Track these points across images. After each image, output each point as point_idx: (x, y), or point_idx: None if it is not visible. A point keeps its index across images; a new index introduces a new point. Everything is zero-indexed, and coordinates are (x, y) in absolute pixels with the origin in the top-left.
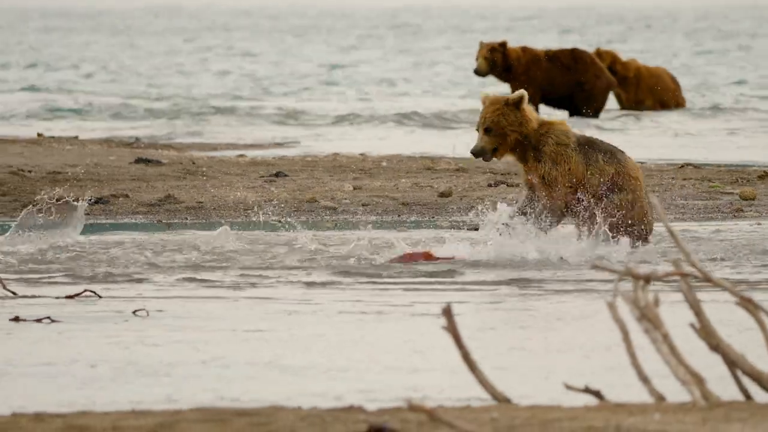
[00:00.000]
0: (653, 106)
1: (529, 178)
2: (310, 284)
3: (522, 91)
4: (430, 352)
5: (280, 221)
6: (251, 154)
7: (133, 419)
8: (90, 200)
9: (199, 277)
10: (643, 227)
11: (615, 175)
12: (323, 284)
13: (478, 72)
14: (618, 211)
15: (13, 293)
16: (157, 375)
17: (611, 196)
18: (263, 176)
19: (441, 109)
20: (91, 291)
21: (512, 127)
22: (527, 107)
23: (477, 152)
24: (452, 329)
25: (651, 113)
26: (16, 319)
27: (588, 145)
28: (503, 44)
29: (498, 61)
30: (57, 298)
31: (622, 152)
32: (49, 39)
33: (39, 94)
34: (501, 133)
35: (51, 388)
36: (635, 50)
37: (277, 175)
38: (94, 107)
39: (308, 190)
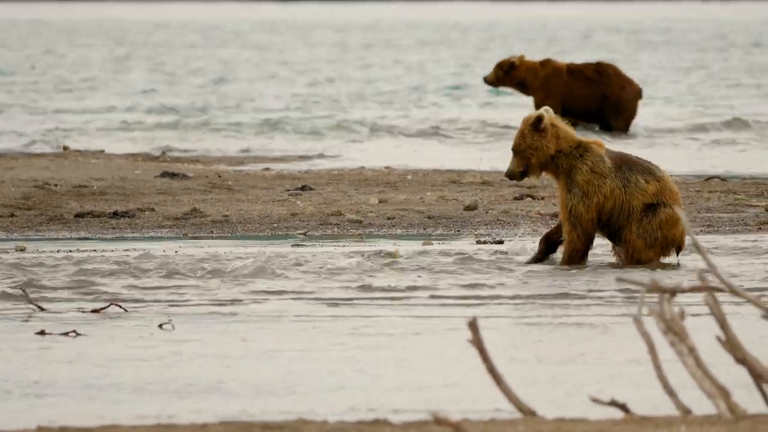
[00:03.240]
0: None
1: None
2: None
3: (539, 112)
4: (455, 366)
5: (305, 234)
6: (277, 167)
7: None
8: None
9: (226, 293)
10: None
11: (657, 193)
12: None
13: (485, 80)
14: (664, 222)
15: (40, 307)
16: (183, 389)
17: (657, 210)
18: (289, 190)
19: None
20: (117, 304)
21: (531, 150)
22: (555, 127)
23: (508, 175)
24: (477, 342)
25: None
26: (42, 333)
27: (625, 166)
28: (511, 60)
29: (500, 76)
30: (83, 312)
31: (658, 167)
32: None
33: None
34: (524, 155)
35: (77, 402)
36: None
37: (302, 188)
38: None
39: (334, 203)
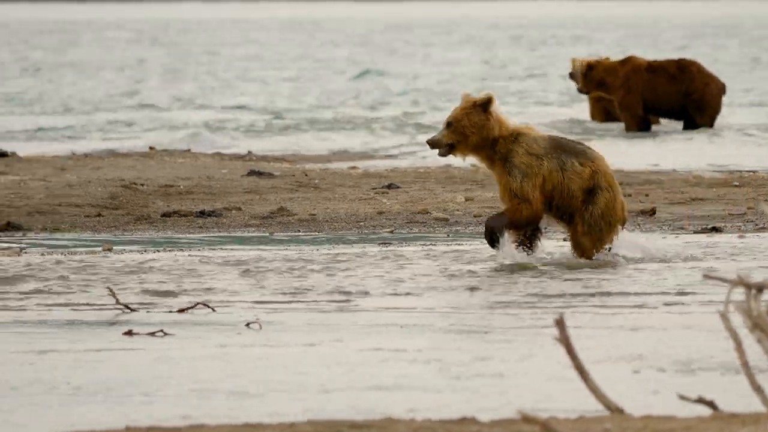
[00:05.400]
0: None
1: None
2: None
3: (489, 93)
4: (539, 363)
5: (392, 232)
6: (363, 165)
7: None
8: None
9: (305, 294)
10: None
11: (592, 175)
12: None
13: (579, 90)
14: (605, 209)
15: (127, 307)
16: (267, 388)
17: (596, 196)
18: (375, 188)
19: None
20: (204, 304)
21: (473, 128)
22: (497, 112)
23: (431, 143)
24: (565, 340)
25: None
26: (130, 333)
27: (561, 149)
28: (589, 62)
29: (584, 81)
30: (170, 311)
31: (590, 148)
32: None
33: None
34: (461, 131)
35: (164, 402)
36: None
37: (389, 186)
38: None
39: (420, 201)
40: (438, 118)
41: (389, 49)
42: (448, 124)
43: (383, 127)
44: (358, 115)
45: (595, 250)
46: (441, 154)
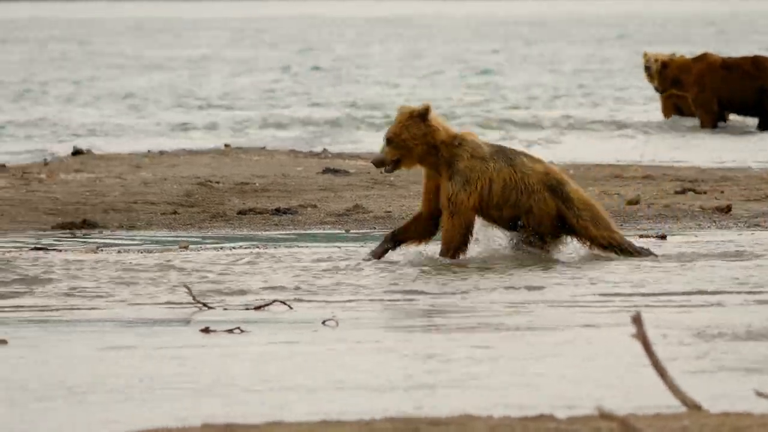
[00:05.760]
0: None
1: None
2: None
3: (427, 103)
4: (617, 360)
5: None
6: None
7: (325, 430)
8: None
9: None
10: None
11: (547, 172)
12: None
13: (656, 89)
14: (584, 198)
15: (205, 305)
16: (344, 386)
17: (568, 192)
18: None
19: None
20: (281, 301)
21: (416, 140)
22: (436, 119)
23: (375, 162)
24: (642, 337)
25: None
26: (207, 330)
27: (505, 152)
28: (663, 60)
29: (660, 80)
30: (247, 308)
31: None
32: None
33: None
34: (403, 145)
35: (241, 399)
36: None
37: None
38: None
39: None
40: (523, 115)
41: (493, 48)
42: (389, 141)
43: (472, 125)
44: (440, 114)
45: (616, 237)
46: (387, 171)
